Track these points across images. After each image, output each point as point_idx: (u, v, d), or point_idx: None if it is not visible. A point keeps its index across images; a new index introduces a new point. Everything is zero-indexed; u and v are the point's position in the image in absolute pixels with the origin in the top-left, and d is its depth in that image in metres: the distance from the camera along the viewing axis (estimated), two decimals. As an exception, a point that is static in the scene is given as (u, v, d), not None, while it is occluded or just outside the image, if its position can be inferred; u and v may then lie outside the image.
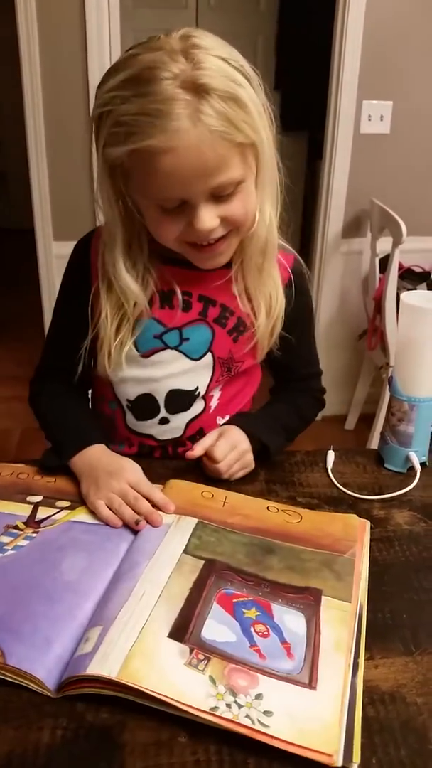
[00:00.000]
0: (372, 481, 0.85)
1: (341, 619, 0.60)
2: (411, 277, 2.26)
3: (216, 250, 0.78)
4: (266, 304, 0.86)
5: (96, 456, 0.82)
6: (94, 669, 0.52)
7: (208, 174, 0.69)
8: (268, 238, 0.82)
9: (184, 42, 0.68)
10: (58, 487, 0.80)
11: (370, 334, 2.28)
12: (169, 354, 0.88)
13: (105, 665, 0.52)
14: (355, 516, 0.76)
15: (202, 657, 0.54)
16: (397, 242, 1.98)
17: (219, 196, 0.72)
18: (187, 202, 0.72)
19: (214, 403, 0.94)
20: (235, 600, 0.61)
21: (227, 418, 0.95)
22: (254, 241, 0.81)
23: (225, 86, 0.66)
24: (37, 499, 0.77)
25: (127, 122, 0.67)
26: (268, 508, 0.77)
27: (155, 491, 0.76)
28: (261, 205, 0.78)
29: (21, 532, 0.71)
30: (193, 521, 0.72)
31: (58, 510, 0.75)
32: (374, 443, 2.23)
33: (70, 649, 0.56)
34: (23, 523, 0.72)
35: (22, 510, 0.75)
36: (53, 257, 2.24)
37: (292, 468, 0.87)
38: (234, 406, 0.97)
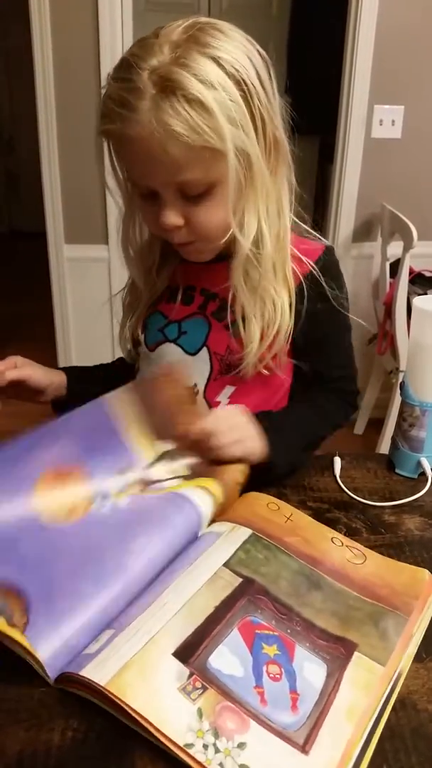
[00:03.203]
0: (383, 486, 0.85)
1: (366, 684, 0.53)
2: (421, 282, 2.26)
3: (189, 249, 0.78)
4: (262, 326, 0.81)
5: None
6: (88, 672, 0.50)
7: (165, 170, 0.69)
8: (262, 254, 0.77)
9: (185, 33, 0.68)
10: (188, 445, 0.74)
11: (380, 339, 2.27)
12: (169, 347, 0.89)
13: (100, 671, 0.50)
14: (426, 571, 0.67)
15: (199, 685, 0.50)
16: (407, 247, 1.98)
17: (188, 195, 0.72)
18: (157, 192, 0.72)
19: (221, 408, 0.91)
20: (258, 631, 0.56)
21: None
22: (237, 259, 0.77)
23: (193, 87, 0.65)
24: (166, 448, 0.73)
25: (104, 103, 0.71)
26: (332, 539, 0.70)
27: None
28: (240, 217, 0.75)
29: (127, 489, 0.68)
30: (247, 532, 0.67)
31: (171, 477, 0.71)
32: (383, 448, 2.22)
33: (83, 645, 0.54)
34: (137, 479, 0.70)
35: (147, 453, 0.72)
36: (65, 260, 2.26)
37: (302, 472, 0.87)
38: None
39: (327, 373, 0.93)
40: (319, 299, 0.84)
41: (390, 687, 0.53)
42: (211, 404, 0.90)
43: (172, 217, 0.73)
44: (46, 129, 2.11)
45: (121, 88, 0.68)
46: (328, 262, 0.86)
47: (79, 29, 2.02)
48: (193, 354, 0.88)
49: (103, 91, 0.72)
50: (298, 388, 0.94)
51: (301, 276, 0.84)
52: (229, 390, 0.90)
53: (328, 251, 0.87)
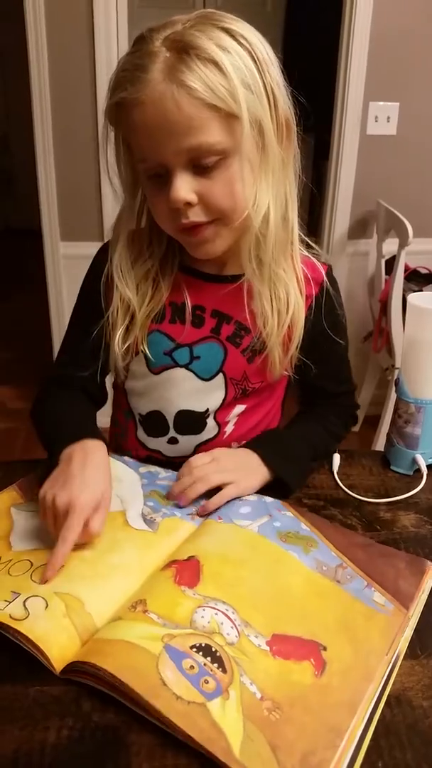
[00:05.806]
0: (378, 483, 0.85)
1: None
2: (417, 279, 2.26)
3: (201, 234, 0.73)
4: (275, 311, 0.79)
5: (84, 448, 0.73)
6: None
7: (177, 132, 0.66)
8: (267, 234, 0.74)
9: (200, 13, 0.68)
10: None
11: (375, 336, 2.27)
12: (179, 372, 0.84)
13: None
14: (426, 561, 0.68)
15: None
16: (403, 243, 1.98)
17: (199, 167, 0.68)
18: (166, 168, 0.69)
19: (229, 428, 0.88)
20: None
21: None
22: (247, 236, 0.74)
23: (208, 48, 0.64)
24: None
25: (115, 77, 0.69)
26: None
27: (94, 521, 0.66)
28: (253, 193, 0.71)
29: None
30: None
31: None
32: (379, 445, 2.22)
33: None
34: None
35: None
36: (60, 257, 2.24)
37: (298, 469, 0.87)
38: (253, 434, 0.90)
39: (332, 389, 0.94)
40: (328, 315, 0.85)
41: (389, 668, 0.55)
42: (221, 425, 0.88)
43: (183, 191, 0.68)
44: (41, 126, 2.10)
45: (134, 56, 0.67)
46: (332, 279, 0.87)
47: (73, 26, 2.00)
48: (207, 380, 0.84)
49: (114, 70, 0.70)
50: (299, 401, 0.95)
51: (313, 293, 0.84)
52: (238, 409, 0.88)
53: (331, 269, 0.87)
